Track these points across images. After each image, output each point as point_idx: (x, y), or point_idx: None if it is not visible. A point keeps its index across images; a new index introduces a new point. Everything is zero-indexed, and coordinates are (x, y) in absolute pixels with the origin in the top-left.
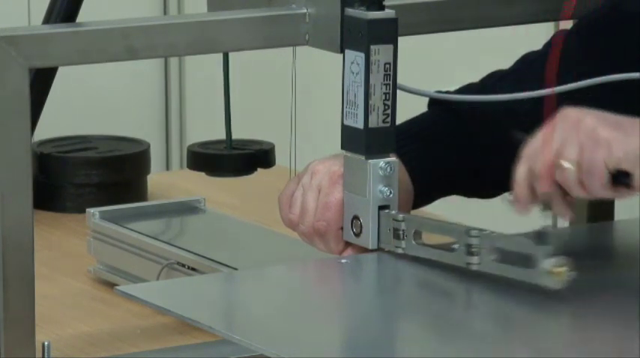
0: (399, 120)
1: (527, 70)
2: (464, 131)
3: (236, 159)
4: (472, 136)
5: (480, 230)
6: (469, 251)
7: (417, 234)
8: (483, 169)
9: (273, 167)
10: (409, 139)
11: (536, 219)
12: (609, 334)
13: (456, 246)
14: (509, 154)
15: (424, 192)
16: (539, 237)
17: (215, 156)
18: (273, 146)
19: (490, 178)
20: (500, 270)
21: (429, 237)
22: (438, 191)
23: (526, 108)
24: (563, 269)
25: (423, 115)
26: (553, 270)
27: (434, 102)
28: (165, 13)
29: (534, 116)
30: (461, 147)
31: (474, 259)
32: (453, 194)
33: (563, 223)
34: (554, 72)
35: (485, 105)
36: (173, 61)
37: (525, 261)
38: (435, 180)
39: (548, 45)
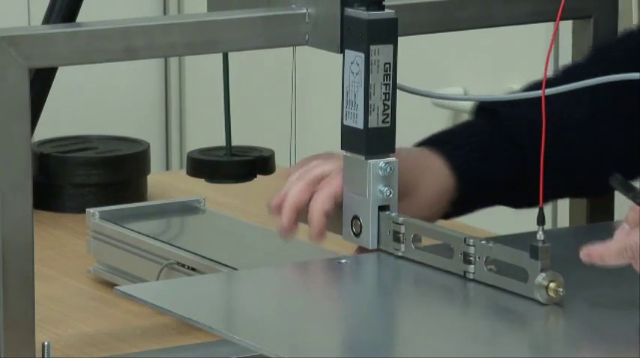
0: (399, 120)
1: (601, 61)
2: (509, 140)
3: (236, 165)
4: (517, 146)
5: (477, 239)
6: (466, 259)
7: (417, 238)
8: (526, 181)
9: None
10: (462, 143)
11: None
12: (609, 332)
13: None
14: (555, 167)
15: (465, 198)
16: (533, 251)
17: (215, 163)
18: (273, 153)
19: (534, 189)
20: (494, 281)
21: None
22: (480, 200)
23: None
24: (555, 285)
25: (471, 122)
26: (545, 285)
27: (480, 109)
28: (165, 13)
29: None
30: (506, 157)
31: (471, 268)
32: (496, 205)
33: (564, 223)
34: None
35: (532, 113)
36: (173, 61)
37: (520, 272)
38: (479, 188)
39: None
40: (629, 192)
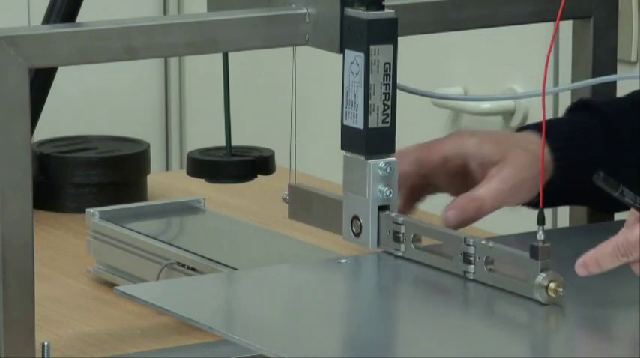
0: (399, 120)
1: None
2: (610, 139)
3: (236, 165)
4: (619, 145)
5: (477, 239)
6: (466, 259)
7: (417, 238)
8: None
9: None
10: (561, 128)
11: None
12: (609, 332)
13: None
14: None
15: (556, 182)
16: (533, 251)
17: (215, 163)
18: (273, 153)
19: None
20: (494, 281)
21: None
22: (569, 189)
23: None
24: (555, 285)
25: (569, 116)
26: (545, 285)
27: (577, 108)
28: (165, 13)
29: None
30: (603, 155)
31: (471, 268)
32: (582, 203)
33: (564, 223)
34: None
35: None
36: (173, 61)
37: (520, 272)
38: (572, 173)
39: None
40: (615, 190)
